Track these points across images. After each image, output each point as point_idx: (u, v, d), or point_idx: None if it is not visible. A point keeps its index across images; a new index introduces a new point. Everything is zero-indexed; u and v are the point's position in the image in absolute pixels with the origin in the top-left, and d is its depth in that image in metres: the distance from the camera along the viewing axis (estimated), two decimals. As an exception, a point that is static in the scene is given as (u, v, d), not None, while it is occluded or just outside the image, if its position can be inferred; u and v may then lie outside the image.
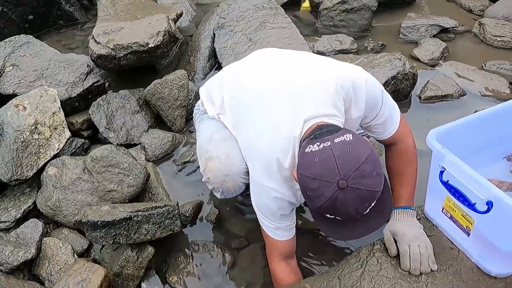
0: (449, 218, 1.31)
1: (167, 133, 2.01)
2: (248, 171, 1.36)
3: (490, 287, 1.22)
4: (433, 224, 1.41)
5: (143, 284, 1.50)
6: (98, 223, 1.39)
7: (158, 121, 2.10)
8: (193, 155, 1.94)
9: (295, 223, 1.37)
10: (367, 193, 1.01)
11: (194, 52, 2.48)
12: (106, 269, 1.42)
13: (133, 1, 2.46)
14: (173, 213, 1.49)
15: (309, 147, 1.07)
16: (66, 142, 1.82)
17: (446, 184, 1.24)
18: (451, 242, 1.35)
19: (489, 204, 1.11)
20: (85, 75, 2.04)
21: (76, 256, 1.52)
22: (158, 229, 1.47)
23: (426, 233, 1.33)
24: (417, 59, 2.50)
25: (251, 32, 2.43)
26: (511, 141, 1.49)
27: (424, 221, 1.42)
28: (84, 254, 1.58)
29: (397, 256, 1.31)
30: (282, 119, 1.22)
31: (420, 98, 2.24)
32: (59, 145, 1.79)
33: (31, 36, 2.09)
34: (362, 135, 1.21)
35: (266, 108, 1.26)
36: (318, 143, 1.06)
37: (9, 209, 1.64)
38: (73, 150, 1.86)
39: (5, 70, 1.95)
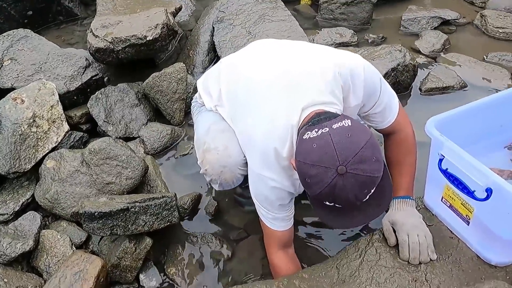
0: (448, 207, 1.30)
1: (166, 126, 2.00)
2: (246, 163, 1.35)
3: (490, 276, 1.21)
4: (432, 214, 1.40)
5: (141, 276, 1.50)
6: (95, 214, 1.39)
7: (157, 115, 2.10)
8: (192, 148, 1.94)
9: (293, 213, 1.36)
10: (366, 179, 1.00)
11: (193, 46, 2.47)
12: (104, 261, 1.41)
13: (132, -5, 2.45)
14: (171, 204, 1.48)
15: (307, 134, 1.05)
16: (65, 135, 1.82)
17: (445, 172, 1.23)
18: (451, 231, 1.33)
19: (489, 191, 1.10)
20: (84, 69, 2.04)
21: (74, 248, 1.52)
22: (156, 220, 1.46)
23: (426, 223, 1.32)
24: (418, 51, 2.48)
25: (251, 26, 2.42)
26: (512, 130, 1.48)
27: (424, 211, 1.40)
28: (82, 246, 1.58)
29: (396, 246, 1.30)
30: (279, 108, 1.21)
31: (421, 90, 2.22)
32: (57, 138, 1.79)
33: (29, 30, 2.09)
34: None
35: (263, 99, 1.25)
36: (316, 129, 1.04)
37: (7, 201, 1.64)
38: (72, 143, 1.86)
39: (4, 64, 1.95)
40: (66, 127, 1.83)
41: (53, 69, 1.99)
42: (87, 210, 1.39)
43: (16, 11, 2.55)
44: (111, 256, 1.46)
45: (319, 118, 1.09)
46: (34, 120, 1.73)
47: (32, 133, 1.71)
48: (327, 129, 1.03)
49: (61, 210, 1.62)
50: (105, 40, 2.01)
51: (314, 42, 2.52)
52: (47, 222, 1.66)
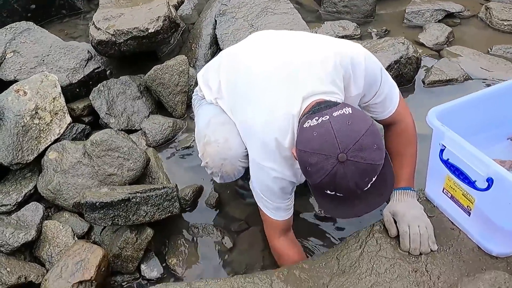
0: (449, 198, 1.30)
1: (167, 119, 2.00)
2: (247, 155, 1.35)
3: (491, 267, 1.20)
4: (434, 205, 1.39)
5: (142, 266, 1.50)
6: (97, 204, 1.40)
7: (159, 107, 2.10)
8: (193, 140, 1.94)
9: (293, 202, 1.36)
10: (367, 166, 0.99)
11: (195, 39, 2.46)
12: (106, 251, 1.42)
13: (135, -12, 2.45)
14: (172, 195, 1.49)
15: (308, 122, 1.05)
16: (67, 127, 1.83)
17: (446, 163, 1.22)
18: (452, 223, 1.33)
19: (490, 181, 1.09)
20: (86, 61, 2.04)
21: (76, 239, 1.53)
22: (157, 211, 1.47)
23: (427, 214, 1.31)
24: (422, 44, 2.46)
25: (253, 19, 2.41)
26: (515, 121, 1.46)
27: (425, 203, 1.40)
28: (84, 236, 1.58)
29: (397, 237, 1.30)
30: (280, 99, 1.21)
31: (424, 82, 2.21)
32: (59, 130, 1.79)
33: (32, 23, 2.09)
34: None
35: (263, 89, 1.25)
36: (317, 118, 1.04)
37: (10, 192, 1.65)
38: (74, 136, 1.87)
39: (6, 57, 1.96)
40: (68, 119, 1.84)
41: (56, 62, 1.99)
42: (89, 200, 1.40)
43: (19, 4, 2.55)
44: (113, 246, 1.47)
45: (319, 107, 1.09)
46: (36, 112, 1.74)
47: (34, 125, 1.72)
48: (328, 117, 1.03)
49: (63, 201, 1.63)
50: (107, 32, 2.01)
51: (316, 35, 2.51)
52: (50, 213, 1.67)
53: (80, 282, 1.30)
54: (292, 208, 1.35)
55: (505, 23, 2.56)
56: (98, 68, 2.08)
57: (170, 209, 1.49)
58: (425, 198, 1.42)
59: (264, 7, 2.45)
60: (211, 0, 2.70)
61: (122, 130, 1.93)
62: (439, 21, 2.65)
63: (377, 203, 1.11)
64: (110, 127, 1.94)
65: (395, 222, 1.30)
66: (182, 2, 2.48)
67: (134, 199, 1.43)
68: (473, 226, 1.26)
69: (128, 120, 2.00)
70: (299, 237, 1.50)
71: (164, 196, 1.48)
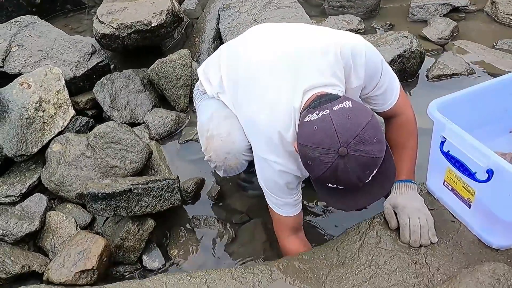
0: (450, 190, 1.29)
1: (170, 112, 2.01)
2: (250, 148, 1.36)
3: (491, 259, 1.20)
4: (434, 198, 1.39)
5: (144, 257, 1.52)
6: (99, 195, 1.41)
7: (162, 101, 2.11)
8: (196, 133, 1.93)
9: (301, 198, 1.36)
10: (368, 160, 0.99)
11: (199, 34, 2.47)
12: (108, 241, 1.44)
13: (139, -18, 2.46)
14: (173, 187, 1.50)
15: (308, 116, 1.05)
16: (71, 120, 1.84)
17: (446, 155, 1.22)
18: (453, 215, 1.33)
19: (490, 173, 1.09)
20: (90, 55, 2.06)
21: (79, 229, 1.54)
22: (159, 202, 1.48)
23: (428, 207, 1.31)
24: (426, 39, 2.45)
25: (256, 13, 2.41)
26: (518, 114, 1.45)
27: (426, 196, 1.40)
28: (87, 227, 1.60)
29: (397, 229, 1.30)
30: (282, 92, 1.21)
31: (427, 77, 2.20)
32: (63, 123, 1.81)
33: (36, 17, 2.11)
34: None
35: (265, 83, 1.25)
36: (317, 112, 1.04)
37: (14, 184, 1.67)
38: (78, 128, 1.89)
39: (11, 50, 1.98)
40: (72, 112, 1.86)
41: (60, 55, 2.01)
42: (91, 191, 1.42)
43: (25, -1, 2.58)
44: (115, 237, 1.49)
45: (320, 101, 1.09)
46: (40, 105, 1.76)
47: (38, 117, 1.74)
48: (328, 111, 1.03)
49: (66, 193, 1.65)
50: (111, 26, 2.02)
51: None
52: (53, 204, 1.69)
53: (82, 271, 1.32)
54: (300, 204, 1.35)
55: (511, 17, 2.53)
56: (102, 61, 2.09)
57: (172, 200, 1.51)
58: (426, 191, 1.42)
59: (268, 1, 2.45)
60: (215, -6, 2.70)
61: (125, 123, 1.95)
62: (444, 15, 2.63)
63: (378, 195, 1.11)
64: (114, 120, 1.95)
65: (396, 214, 1.30)
66: (186, -4, 2.49)
67: (136, 190, 1.44)
68: (473, 219, 1.25)
69: (131, 114, 2.01)
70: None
71: (166, 187, 1.49)
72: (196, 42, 2.44)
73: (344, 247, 1.30)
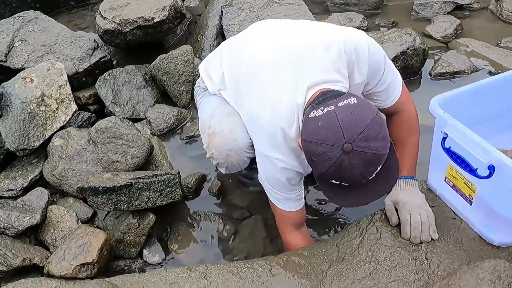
0: (451, 187, 1.29)
1: (172, 108, 2.02)
2: (252, 145, 1.35)
3: (492, 256, 1.19)
4: (436, 195, 1.38)
5: (144, 251, 1.52)
6: (100, 188, 1.41)
7: (164, 97, 2.12)
8: (197, 129, 1.93)
9: (304, 193, 1.35)
10: (372, 156, 0.99)
11: (201, 30, 2.47)
12: (108, 235, 1.44)
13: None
14: (174, 181, 1.50)
15: (313, 113, 1.05)
16: (73, 115, 1.85)
17: (448, 151, 1.21)
18: (454, 212, 1.32)
19: (491, 169, 1.08)
20: (92, 51, 2.06)
21: (80, 223, 1.55)
22: (159, 197, 1.48)
23: (429, 203, 1.31)
24: (430, 36, 2.43)
25: (259, 9, 2.41)
26: (521, 111, 1.44)
27: (427, 192, 1.39)
28: (88, 222, 1.61)
29: (398, 225, 1.30)
30: (285, 88, 1.20)
31: (430, 74, 2.19)
32: (65, 118, 1.82)
33: (39, 12, 2.12)
34: None
35: (268, 78, 1.24)
36: (322, 108, 1.04)
37: (16, 178, 1.68)
38: (80, 123, 1.89)
39: (14, 45, 1.99)
40: (74, 107, 1.86)
41: (62, 50, 2.02)
42: (92, 185, 1.42)
43: (28, -5, 2.58)
44: (116, 231, 1.49)
45: (324, 97, 1.08)
46: (42, 99, 1.76)
47: (40, 112, 1.75)
48: (333, 107, 1.02)
49: (68, 187, 1.65)
50: (113, 22, 2.03)
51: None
52: (55, 199, 1.70)
53: (83, 265, 1.32)
54: (303, 199, 1.34)
55: (516, 16, 2.52)
56: (104, 57, 2.09)
57: (172, 195, 1.51)
58: (427, 188, 1.42)
59: (271, -3, 2.44)
60: (218, -9, 2.70)
61: (127, 118, 1.95)
62: (448, 13, 2.61)
63: (382, 191, 1.11)
64: (115, 116, 1.95)
65: (397, 210, 1.30)
66: (189, -7, 2.49)
67: (136, 185, 1.45)
68: (474, 215, 1.25)
69: (133, 109, 2.01)
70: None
71: (166, 182, 1.49)
72: (199, 39, 2.44)
73: (344, 243, 1.30)
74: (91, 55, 2.06)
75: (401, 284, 1.17)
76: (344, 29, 1.30)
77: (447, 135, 1.20)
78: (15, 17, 2.07)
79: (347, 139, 0.98)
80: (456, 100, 1.27)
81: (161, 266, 1.50)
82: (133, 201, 1.45)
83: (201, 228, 1.61)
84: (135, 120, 1.99)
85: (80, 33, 2.17)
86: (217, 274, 1.24)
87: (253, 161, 1.42)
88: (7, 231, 1.46)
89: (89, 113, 1.95)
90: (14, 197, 1.63)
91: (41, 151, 1.77)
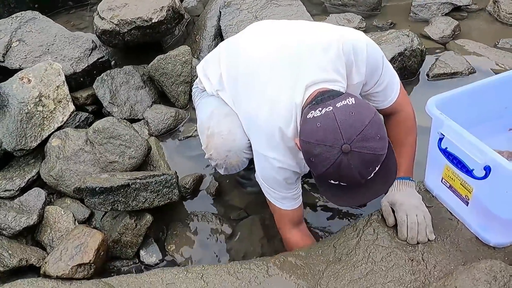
0: (448, 188, 1.29)
1: (170, 109, 2.02)
2: (250, 146, 1.35)
3: (489, 257, 1.19)
4: (432, 196, 1.38)
5: (141, 252, 1.52)
6: (97, 189, 1.41)
7: (162, 97, 2.12)
8: (195, 130, 1.95)
9: (301, 191, 1.36)
10: (371, 157, 0.99)
11: (200, 31, 2.47)
12: (105, 235, 1.44)
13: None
14: (171, 182, 1.50)
15: (311, 113, 1.05)
16: (70, 115, 1.84)
17: (444, 152, 1.22)
18: (450, 213, 1.32)
19: (487, 169, 1.08)
20: (90, 51, 2.06)
21: (77, 224, 1.55)
22: (156, 197, 1.48)
23: (426, 204, 1.31)
24: (428, 37, 2.44)
25: (257, 10, 2.41)
26: (517, 112, 1.45)
27: (424, 193, 1.39)
28: (85, 222, 1.60)
29: (394, 226, 1.30)
30: (283, 87, 1.20)
31: (428, 75, 2.19)
32: (63, 118, 1.81)
33: (37, 12, 2.12)
34: None
35: (266, 78, 1.24)
36: (320, 108, 1.04)
37: (13, 178, 1.68)
38: (77, 124, 1.89)
39: (12, 45, 1.99)
40: (71, 107, 1.86)
41: (60, 51, 2.02)
42: (89, 185, 1.42)
43: (27, -5, 2.58)
44: (113, 232, 1.49)
45: (322, 97, 1.08)
46: (40, 100, 1.76)
47: (38, 112, 1.74)
48: (331, 107, 1.02)
49: (65, 188, 1.65)
50: (111, 22, 2.03)
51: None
52: (52, 199, 1.69)
53: (79, 265, 1.32)
54: (301, 197, 1.35)
55: (513, 17, 2.52)
56: (102, 57, 2.10)
57: (170, 195, 1.51)
58: (424, 189, 1.42)
59: (269, -2, 2.45)
60: (216, -8, 2.70)
61: (125, 119, 1.95)
62: (446, 14, 2.62)
63: (380, 191, 1.11)
64: (113, 116, 1.95)
65: (393, 211, 1.30)
66: (187, -7, 2.49)
67: (133, 185, 1.44)
68: (471, 216, 1.25)
69: (131, 109, 2.01)
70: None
71: (164, 182, 1.49)
72: (197, 40, 2.44)
73: (341, 244, 1.30)
74: (89, 56, 2.06)
75: (397, 284, 1.17)
76: (342, 29, 1.30)
77: (444, 136, 1.20)
78: (13, 17, 2.07)
79: (346, 140, 0.98)
80: (453, 101, 1.28)
81: (158, 266, 1.50)
82: (130, 202, 1.45)
83: (198, 228, 1.61)
84: (133, 120, 1.99)
85: (78, 33, 2.17)
86: (214, 274, 1.24)
87: (251, 161, 1.43)
88: (4, 232, 1.46)
89: (87, 114, 1.95)
90: (11, 198, 1.63)
91: (39, 152, 1.77)
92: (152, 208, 1.51)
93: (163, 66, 2.02)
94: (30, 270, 1.42)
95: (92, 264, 1.34)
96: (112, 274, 1.45)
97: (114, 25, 2.02)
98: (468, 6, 2.67)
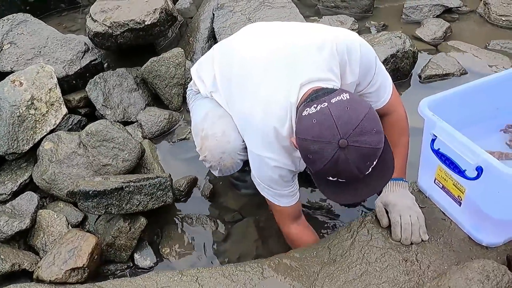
0: (441, 188, 1.30)
1: (164, 111, 2.01)
2: (245, 148, 1.35)
3: (481, 257, 1.21)
4: (425, 197, 1.39)
5: (136, 255, 1.51)
6: (90, 192, 1.40)
7: (155, 100, 2.11)
8: (189, 132, 1.94)
9: (298, 187, 1.36)
10: (368, 151, 0.99)
11: (193, 33, 2.47)
12: (99, 239, 1.43)
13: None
14: (165, 185, 1.49)
15: (306, 110, 1.05)
16: (63, 118, 1.83)
17: (437, 153, 1.22)
18: (443, 213, 1.33)
19: (479, 170, 1.09)
20: (83, 53, 2.05)
21: (70, 228, 1.53)
22: (150, 200, 1.48)
23: (419, 205, 1.32)
24: (419, 39, 2.46)
25: (251, 12, 2.41)
26: (508, 113, 1.46)
27: (417, 194, 1.40)
28: (78, 226, 1.59)
29: (388, 227, 1.30)
30: (278, 87, 1.20)
31: (420, 77, 2.21)
32: (55, 121, 1.80)
33: (29, 15, 2.10)
34: None
35: (260, 78, 1.24)
36: (315, 105, 1.04)
37: (5, 182, 1.66)
38: (70, 127, 1.88)
39: (3, 48, 1.97)
40: (64, 110, 1.85)
41: (52, 53, 2.00)
42: (82, 188, 1.41)
43: (18, -3, 2.57)
44: (106, 235, 1.48)
45: (317, 94, 1.09)
46: (32, 103, 1.75)
47: (30, 115, 1.73)
48: (326, 104, 1.02)
49: (58, 191, 1.64)
50: (104, 24, 2.02)
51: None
52: (45, 203, 1.68)
53: (73, 269, 1.31)
54: (298, 193, 1.35)
55: (503, 19, 2.55)
56: (95, 60, 2.08)
57: (164, 198, 1.50)
58: (417, 190, 1.43)
59: (262, 0, 2.45)
60: (209, -6, 2.70)
61: (118, 122, 1.94)
62: (437, 16, 2.64)
63: (378, 186, 1.11)
64: (106, 119, 1.94)
65: (387, 212, 1.31)
66: (180, -5, 2.49)
67: (127, 188, 1.44)
68: (463, 216, 1.26)
69: (124, 112, 2.01)
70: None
71: (158, 185, 1.49)
72: (190, 42, 2.44)
73: (336, 245, 1.30)
74: (82, 58, 2.05)
75: (392, 285, 1.17)
76: (335, 29, 1.31)
77: (436, 137, 1.21)
78: (4, 20, 2.06)
79: (342, 135, 0.98)
80: (445, 102, 1.29)
81: (153, 270, 1.49)
82: (124, 205, 1.44)
83: (193, 231, 1.60)
84: (126, 123, 1.98)
85: (70, 35, 2.16)
86: (209, 277, 1.23)
87: (245, 163, 1.43)
88: (-4, 236, 1.45)
89: (80, 116, 1.94)
90: (3, 202, 1.62)
91: (31, 155, 1.76)
92: (146, 211, 1.50)
93: (156, 69, 2.02)
94: (23, 275, 1.41)
95: (86, 268, 1.33)
96: (106, 278, 1.44)
97: (107, 28, 2.01)
98: (459, 8, 2.70)
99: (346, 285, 1.19)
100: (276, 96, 1.19)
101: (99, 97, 1.98)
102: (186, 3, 2.81)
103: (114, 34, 2.02)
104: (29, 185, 1.70)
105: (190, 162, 1.84)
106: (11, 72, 1.90)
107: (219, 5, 2.46)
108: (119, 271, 1.49)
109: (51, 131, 1.78)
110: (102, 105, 1.98)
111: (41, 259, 1.43)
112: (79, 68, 2.02)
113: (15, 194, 1.64)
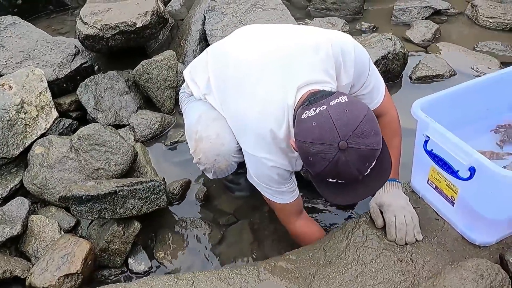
0: (434, 189, 1.31)
1: (156, 114, 2.00)
2: (239, 150, 1.35)
3: (475, 256, 1.22)
4: (419, 197, 1.41)
5: (130, 260, 1.50)
6: (83, 197, 1.39)
7: (147, 102, 2.10)
8: (182, 135, 1.94)
9: (296, 183, 1.36)
10: (367, 152, 1.01)
11: (184, 35, 2.46)
12: (92, 244, 1.41)
13: (123, -17, 2.43)
14: (159, 188, 1.48)
15: (305, 113, 1.06)
16: (54, 122, 1.81)
17: (430, 153, 1.24)
18: (437, 213, 1.35)
19: (472, 170, 1.11)
20: (73, 56, 2.03)
21: (62, 233, 1.51)
22: (144, 204, 1.47)
23: (412, 205, 1.33)
24: (409, 41, 2.49)
25: (242, 14, 2.41)
26: (498, 114, 1.49)
27: (410, 194, 1.42)
28: (71, 231, 1.57)
29: (383, 228, 1.31)
30: (274, 88, 1.21)
31: (411, 78, 2.23)
32: (46, 125, 1.78)
33: (17, 17, 2.07)
34: None
35: (256, 80, 1.24)
36: (314, 108, 1.05)
37: (-5, 187, 1.64)
38: (61, 130, 1.86)
39: (-8, 51, 1.94)
40: (55, 114, 1.82)
41: (42, 56, 1.98)
42: (75, 193, 1.39)
43: (6, -1, 2.53)
44: (100, 240, 1.46)
45: (315, 97, 1.09)
46: (22, 107, 1.72)
47: (20, 119, 1.71)
48: (325, 106, 1.03)
49: (49, 196, 1.62)
50: (95, 27, 2.00)
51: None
52: (36, 208, 1.65)
53: (66, 276, 1.29)
54: (297, 189, 1.35)
55: (491, 20, 2.59)
56: (85, 63, 2.06)
57: (158, 202, 1.49)
58: (410, 190, 1.44)
59: (253, 3, 2.45)
60: (200, -4, 2.69)
61: (110, 125, 1.92)
62: (426, 18, 2.68)
63: (377, 186, 1.13)
64: (98, 122, 1.92)
65: (381, 213, 1.32)
66: (171, -3, 2.48)
67: (121, 192, 1.42)
68: (457, 216, 1.28)
69: (116, 115, 1.99)
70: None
71: (152, 189, 1.47)
72: (182, 44, 2.43)
73: (331, 247, 1.31)
74: (72, 61, 2.03)
75: (387, 285, 1.18)
76: (328, 31, 1.32)
77: (429, 138, 1.23)
78: (-8, 23, 2.03)
79: (342, 137, 0.99)
80: (437, 103, 1.31)
81: (148, 274, 1.48)
82: (117, 209, 1.43)
83: (187, 234, 1.59)
84: (118, 126, 1.96)
85: (60, 38, 2.14)
86: (205, 281, 1.23)
87: (240, 165, 1.42)
88: (-14, 243, 1.42)
89: (71, 120, 1.92)
90: (-7, 208, 1.59)
91: (21, 160, 1.73)
92: (140, 215, 1.49)
93: (148, 71, 2.01)
94: (14, 282, 1.38)
95: (80, 274, 1.32)
96: (101, 283, 1.42)
97: (98, 30, 2.00)
98: (447, 10, 2.73)
99: (342, 287, 1.20)
100: (273, 97, 1.20)
101: (90, 100, 1.96)
102: (177, 5, 2.80)
103: (105, 37, 2.01)
104: (19, 190, 1.67)
105: (183, 165, 1.83)
106: (0, 75, 1.87)
107: (210, 7, 2.46)
108: (113, 276, 1.48)
109: (42, 135, 1.75)
110: (94, 108, 1.96)
111: (33, 265, 1.41)
112: (69, 71, 2.00)
113: (5, 200, 1.61)
